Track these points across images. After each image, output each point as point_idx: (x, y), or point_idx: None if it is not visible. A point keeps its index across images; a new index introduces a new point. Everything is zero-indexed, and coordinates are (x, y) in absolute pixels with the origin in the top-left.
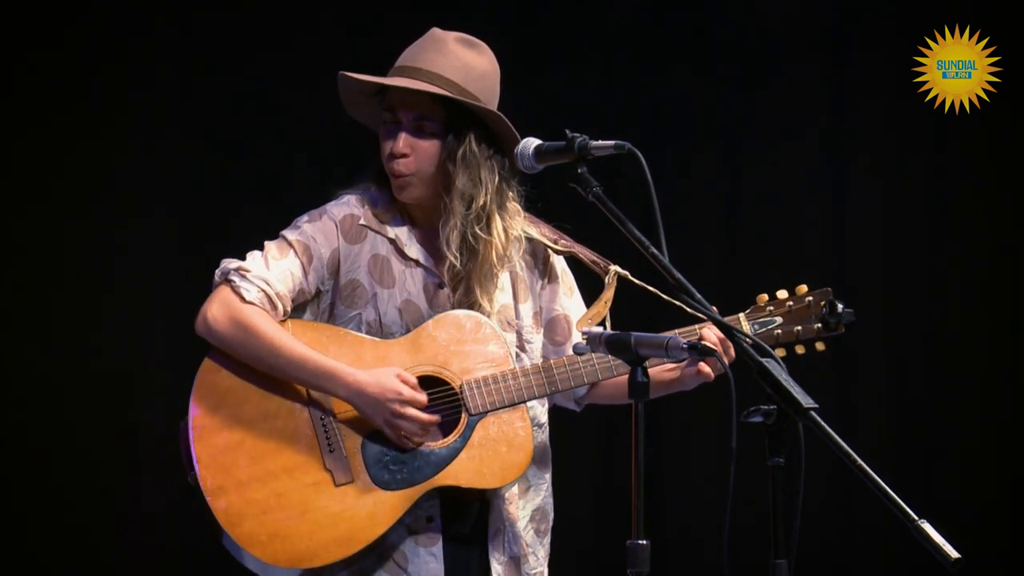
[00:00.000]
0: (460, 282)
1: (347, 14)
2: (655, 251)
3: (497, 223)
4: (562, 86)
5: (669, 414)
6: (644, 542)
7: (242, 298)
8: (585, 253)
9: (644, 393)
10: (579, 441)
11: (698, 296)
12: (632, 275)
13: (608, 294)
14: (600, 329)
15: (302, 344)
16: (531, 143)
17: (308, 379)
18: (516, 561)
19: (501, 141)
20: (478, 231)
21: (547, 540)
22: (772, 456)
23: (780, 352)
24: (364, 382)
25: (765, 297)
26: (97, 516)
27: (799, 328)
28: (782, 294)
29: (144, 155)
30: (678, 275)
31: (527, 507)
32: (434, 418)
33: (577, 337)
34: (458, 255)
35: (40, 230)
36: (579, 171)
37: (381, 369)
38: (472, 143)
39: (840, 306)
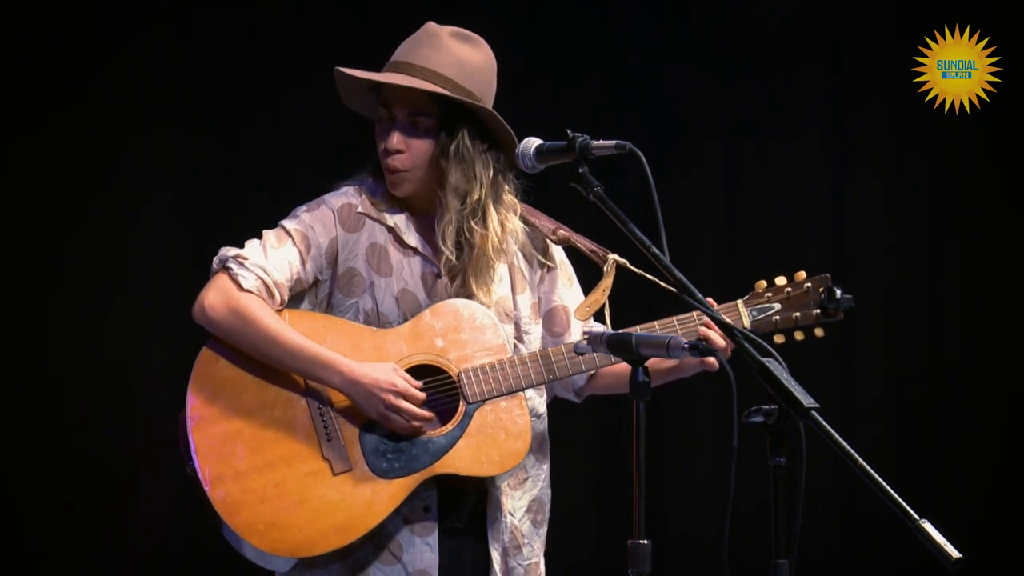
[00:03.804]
0: (458, 274)
1: (347, 11)
2: (656, 250)
3: (492, 217)
4: (562, 86)
5: (669, 414)
6: (645, 542)
7: (240, 286)
8: (584, 242)
9: (645, 392)
10: (581, 441)
11: (699, 296)
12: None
13: (607, 282)
14: (601, 328)
15: (299, 333)
16: (532, 143)
17: (304, 368)
18: (508, 552)
19: (495, 136)
20: (473, 225)
21: (543, 531)
22: (773, 456)
23: (778, 339)
24: (360, 373)
25: (763, 283)
26: (97, 515)
27: (797, 314)
28: (780, 280)
29: (144, 151)
30: (679, 274)
31: (524, 498)
32: (428, 414)
33: (576, 328)
34: (454, 249)
35: (40, 228)
36: (580, 171)
37: (378, 363)
38: (466, 139)
39: (839, 292)
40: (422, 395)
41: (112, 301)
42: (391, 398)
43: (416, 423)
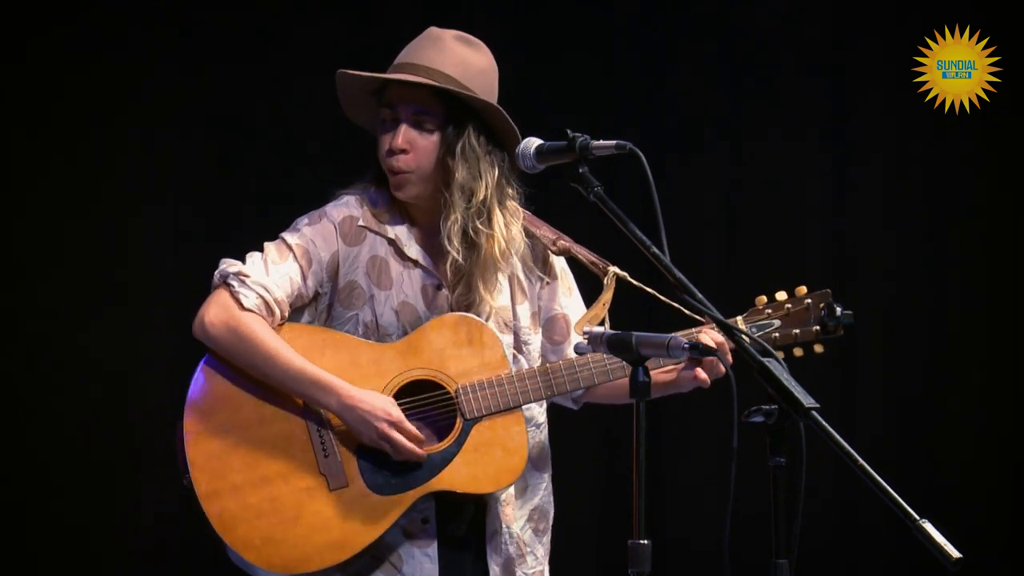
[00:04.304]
0: (460, 280)
1: (348, 12)
2: (656, 251)
3: (498, 217)
4: (562, 85)
5: (669, 414)
6: (645, 542)
7: (240, 304)
8: (584, 254)
9: (645, 393)
10: (580, 441)
11: (699, 296)
12: (631, 276)
13: (607, 296)
14: (601, 329)
15: (298, 354)
16: (532, 143)
17: (302, 389)
18: (513, 562)
19: (500, 136)
20: (479, 225)
21: (547, 539)
22: (773, 456)
23: (778, 355)
24: (357, 398)
25: (764, 299)
26: (97, 516)
27: (797, 331)
28: (781, 296)
29: (143, 155)
30: (679, 275)
31: (524, 507)
32: (420, 452)
33: (576, 337)
34: (460, 249)
35: (39, 230)
36: (580, 171)
37: (376, 393)
38: (471, 137)
39: (839, 308)
40: (415, 431)
41: (112, 302)
42: (384, 427)
43: (406, 454)
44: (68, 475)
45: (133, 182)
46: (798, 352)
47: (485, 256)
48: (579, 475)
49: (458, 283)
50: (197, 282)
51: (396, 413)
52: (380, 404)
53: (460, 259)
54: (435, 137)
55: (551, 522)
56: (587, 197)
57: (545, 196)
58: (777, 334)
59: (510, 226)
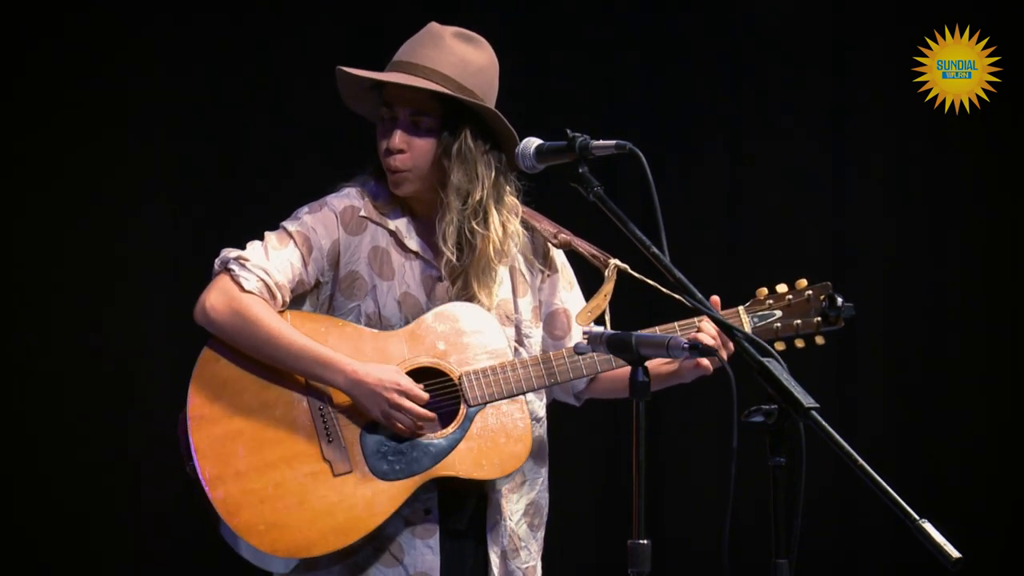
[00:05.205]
0: (459, 276)
1: (349, 9)
2: (656, 250)
3: (494, 218)
4: (562, 85)
5: (669, 414)
6: (645, 542)
7: (241, 287)
8: (585, 247)
9: (645, 392)
10: (581, 441)
11: (699, 296)
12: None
13: (608, 287)
14: (601, 328)
15: (301, 334)
16: (532, 143)
17: (306, 368)
18: (509, 555)
19: (498, 136)
20: (475, 226)
21: (541, 535)
22: (773, 456)
23: (779, 346)
24: (363, 372)
25: (765, 291)
26: (97, 515)
27: (798, 322)
28: (782, 288)
29: (144, 150)
30: (679, 274)
31: (521, 501)
32: (430, 414)
33: (577, 331)
34: (454, 250)
35: (40, 227)
36: (580, 171)
37: (381, 364)
38: (468, 139)
39: (840, 300)
40: (425, 395)
41: (111, 300)
42: (395, 397)
43: (418, 423)
44: (68, 474)
45: (133, 180)
46: (799, 344)
47: (480, 256)
48: (579, 474)
49: (456, 278)
50: (197, 282)
51: (405, 382)
52: (388, 376)
53: (455, 260)
54: (432, 137)
55: (545, 518)
56: (587, 197)
57: (545, 195)
58: (779, 324)
59: (507, 224)
